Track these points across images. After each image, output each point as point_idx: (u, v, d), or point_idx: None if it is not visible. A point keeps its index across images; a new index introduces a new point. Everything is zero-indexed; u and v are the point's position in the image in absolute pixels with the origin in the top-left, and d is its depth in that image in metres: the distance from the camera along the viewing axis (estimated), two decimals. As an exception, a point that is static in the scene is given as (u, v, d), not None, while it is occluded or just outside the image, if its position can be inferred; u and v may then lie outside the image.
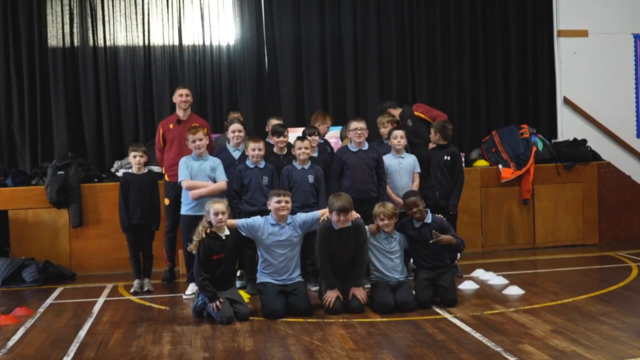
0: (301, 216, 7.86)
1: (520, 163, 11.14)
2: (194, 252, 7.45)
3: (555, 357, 5.88)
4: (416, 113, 10.07)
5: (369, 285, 7.94)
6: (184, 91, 9.50)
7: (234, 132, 9.02)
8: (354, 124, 8.86)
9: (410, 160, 9.16)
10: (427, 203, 8.29)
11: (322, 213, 7.81)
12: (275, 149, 8.92)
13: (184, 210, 8.61)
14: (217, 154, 9.01)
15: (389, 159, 9.07)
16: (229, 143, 9.13)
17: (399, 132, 9.11)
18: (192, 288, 8.51)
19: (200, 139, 8.56)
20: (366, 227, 7.83)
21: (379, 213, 7.78)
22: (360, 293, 7.64)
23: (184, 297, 8.53)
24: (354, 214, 7.72)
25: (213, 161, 8.67)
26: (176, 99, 9.51)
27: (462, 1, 12.33)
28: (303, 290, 7.73)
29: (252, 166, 8.61)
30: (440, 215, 8.18)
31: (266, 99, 11.91)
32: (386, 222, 7.75)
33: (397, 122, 9.68)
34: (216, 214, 7.42)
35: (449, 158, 9.23)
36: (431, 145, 9.46)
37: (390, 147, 9.19)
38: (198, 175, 8.53)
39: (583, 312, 7.28)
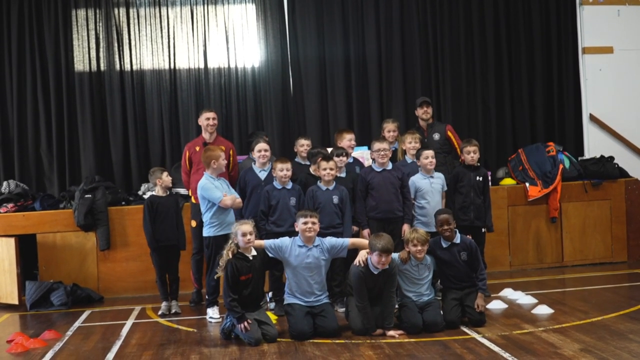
0: (330, 241, 7.78)
1: (547, 181, 11.08)
2: (222, 275, 7.47)
3: (586, 377, 5.85)
4: (448, 133, 10.08)
5: (396, 306, 7.89)
6: (211, 114, 9.58)
7: (259, 151, 9.02)
8: (377, 145, 8.86)
9: (440, 180, 9.14)
10: (462, 224, 8.25)
11: (360, 257, 7.54)
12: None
13: (212, 232, 8.48)
14: (243, 176, 9.05)
15: (419, 180, 9.05)
16: (254, 164, 9.14)
17: (429, 152, 9.04)
18: (210, 312, 8.55)
19: (224, 158, 8.66)
20: (396, 255, 7.69)
21: (412, 239, 7.65)
22: (393, 334, 7.47)
23: (208, 319, 8.54)
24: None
25: (224, 180, 8.70)
26: (202, 122, 9.60)
27: (486, 20, 12.31)
28: (330, 312, 7.70)
29: (279, 187, 8.63)
30: (469, 236, 8.13)
31: (292, 120, 11.95)
32: (419, 248, 7.61)
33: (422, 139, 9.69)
34: (244, 234, 7.44)
35: (481, 179, 9.21)
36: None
37: (415, 165, 9.19)
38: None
39: (612, 330, 7.21)
